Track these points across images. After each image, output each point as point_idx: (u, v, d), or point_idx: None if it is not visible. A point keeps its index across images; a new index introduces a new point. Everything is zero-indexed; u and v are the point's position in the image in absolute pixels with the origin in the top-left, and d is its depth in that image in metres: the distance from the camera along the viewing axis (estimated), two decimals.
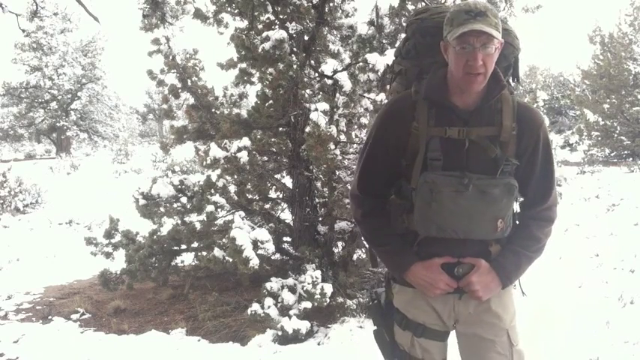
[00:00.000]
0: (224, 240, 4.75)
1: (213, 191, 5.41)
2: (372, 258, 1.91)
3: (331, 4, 5.26)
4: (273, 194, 6.01)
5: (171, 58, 5.96)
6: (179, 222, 5.63)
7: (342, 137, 5.12)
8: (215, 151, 5.08)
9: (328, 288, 4.61)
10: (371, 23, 5.07)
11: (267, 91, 5.21)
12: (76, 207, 11.46)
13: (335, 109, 4.98)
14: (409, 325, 1.73)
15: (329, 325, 4.63)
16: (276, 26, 5.18)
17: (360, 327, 4.43)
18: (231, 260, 4.66)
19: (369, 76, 4.82)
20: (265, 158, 5.64)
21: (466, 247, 1.63)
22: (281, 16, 5.20)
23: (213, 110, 5.93)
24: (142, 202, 5.58)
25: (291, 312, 4.52)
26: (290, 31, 5.07)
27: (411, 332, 1.73)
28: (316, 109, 4.59)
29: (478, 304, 1.69)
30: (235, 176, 5.46)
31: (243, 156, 4.99)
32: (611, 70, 16.43)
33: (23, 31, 8.25)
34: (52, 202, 12.35)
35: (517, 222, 1.70)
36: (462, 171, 1.56)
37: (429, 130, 1.59)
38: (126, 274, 5.50)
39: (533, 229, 1.68)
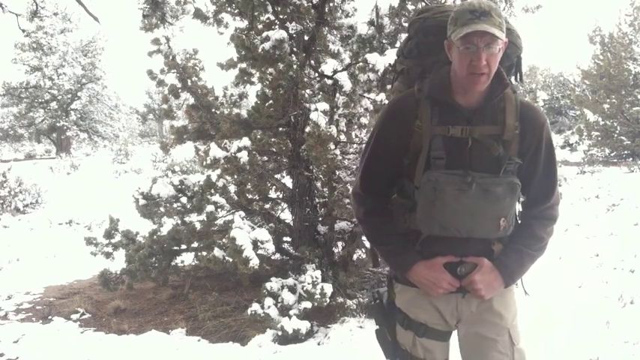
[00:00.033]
0: (224, 240, 4.75)
1: (213, 191, 5.41)
2: (374, 257, 1.91)
3: (331, 4, 5.25)
4: (273, 194, 6.01)
5: (171, 58, 5.95)
6: (179, 222, 5.63)
7: (342, 137, 5.12)
8: (215, 151, 5.08)
9: (328, 288, 4.61)
10: (371, 23, 5.07)
11: (267, 91, 5.21)
12: (76, 207, 11.46)
13: (335, 109, 4.98)
14: (411, 325, 1.73)
15: (329, 325, 4.63)
16: (276, 26, 5.18)
17: (360, 327, 4.43)
18: (231, 260, 4.66)
19: (369, 76, 4.82)
20: (265, 158, 5.64)
21: (469, 246, 1.63)
22: (281, 16, 5.20)
23: (213, 110, 5.93)
24: (142, 202, 5.58)
25: (291, 312, 4.52)
26: (290, 31, 5.07)
27: (413, 332, 1.73)
28: (316, 109, 4.59)
29: (480, 303, 1.69)
30: (235, 176, 5.46)
31: (243, 156, 4.99)
32: (611, 70, 16.43)
33: (23, 31, 8.25)
34: (52, 202, 12.35)
35: (519, 221, 1.70)
36: (464, 170, 1.56)
37: (432, 129, 1.59)
38: (126, 274, 5.50)
39: (535, 228, 1.68)
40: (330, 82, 4.99)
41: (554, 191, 1.70)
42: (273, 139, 5.57)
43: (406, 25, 4.91)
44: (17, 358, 4.11)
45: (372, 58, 4.65)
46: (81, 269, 6.95)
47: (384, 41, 5.07)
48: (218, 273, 5.58)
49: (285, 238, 5.80)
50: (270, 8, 5.16)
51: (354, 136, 5.49)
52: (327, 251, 5.42)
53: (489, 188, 1.56)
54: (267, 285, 4.70)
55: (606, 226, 6.86)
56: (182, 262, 5.92)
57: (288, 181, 5.84)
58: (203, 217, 5.43)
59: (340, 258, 5.48)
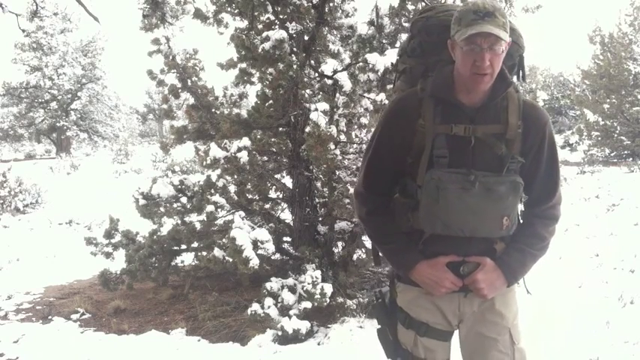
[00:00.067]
0: (224, 240, 4.74)
1: (213, 191, 5.41)
2: (375, 257, 1.90)
3: (331, 4, 5.25)
4: (273, 194, 6.01)
5: (171, 58, 5.95)
6: (179, 222, 5.62)
7: (342, 137, 5.12)
8: (215, 151, 5.08)
9: (328, 288, 4.60)
10: (371, 23, 5.07)
11: (267, 91, 5.21)
12: (76, 207, 11.46)
13: (335, 109, 4.98)
14: (412, 324, 1.73)
15: (329, 325, 4.62)
16: (276, 26, 5.18)
17: (360, 327, 4.43)
18: (231, 260, 4.66)
19: (369, 76, 4.82)
20: (265, 158, 5.64)
21: (471, 246, 1.63)
22: (281, 16, 5.20)
23: (213, 110, 5.93)
24: (142, 202, 5.58)
25: (291, 312, 4.52)
26: (290, 31, 5.07)
27: (414, 331, 1.73)
28: (316, 109, 4.59)
29: (482, 303, 1.69)
30: (235, 176, 5.46)
31: (243, 156, 4.99)
32: (611, 70, 16.43)
33: (23, 31, 8.26)
34: (52, 202, 12.34)
35: (521, 220, 1.70)
36: (467, 168, 1.56)
37: (435, 128, 1.59)
38: (126, 274, 5.50)
39: (537, 228, 1.69)
40: (330, 82, 4.99)
41: (556, 190, 1.70)
42: (273, 139, 5.56)
43: (406, 25, 4.92)
44: (17, 358, 4.11)
45: (372, 58, 4.65)
46: (81, 269, 6.95)
47: (384, 41, 5.07)
48: (218, 273, 5.58)
49: (285, 238, 5.80)
50: (270, 8, 5.16)
51: (354, 136, 5.49)
52: (327, 251, 5.42)
53: (492, 187, 1.56)
54: (267, 285, 4.70)
55: (606, 226, 6.86)
56: (182, 262, 5.92)
57: (288, 181, 5.84)
58: (203, 217, 5.43)
59: (340, 258, 5.47)
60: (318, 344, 4.29)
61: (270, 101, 5.19)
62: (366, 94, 5.12)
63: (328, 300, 4.61)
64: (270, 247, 4.71)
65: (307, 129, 4.57)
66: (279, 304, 4.59)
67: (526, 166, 1.63)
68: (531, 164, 1.64)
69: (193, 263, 5.86)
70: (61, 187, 14.36)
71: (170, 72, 5.98)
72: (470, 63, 1.49)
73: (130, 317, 5.27)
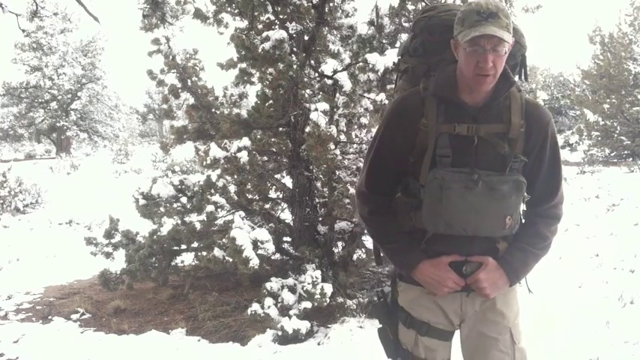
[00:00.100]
0: (224, 240, 4.74)
1: (213, 191, 5.41)
2: (377, 256, 1.90)
3: (331, 4, 5.25)
4: (273, 194, 6.01)
5: (171, 58, 5.95)
6: (179, 222, 5.62)
7: (342, 137, 5.12)
8: (215, 151, 5.08)
9: (328, 288, 4.60)
10: (371, 23, 5.07)
11: (267, 91, 5.21)
12: (76, 207, 11.46)
13: (335, 109, 4.98)
14: (413, 324, 1.73)
15: (329, 325, 4.62)
16: (276, 26, 5.18)
17: (360, 327, 4.42)
18: (231, 260, 4.66)
19: (369, 76, 4.82)
20: (265, 158, 5.64)
21: (474, 245, 1.63)
22: (281, 16, 5.20)
23: (213, 110, 5.93)
24: (142, 202, 5.58)
25: (291, 312, 4.52)
26: (290, 31, 5.07)
27: (415, 330, 1.73)
28: (316, 109, 4.59)
29: (484, 302, 1.69)
30: (235, 176, 5.46)
31: (243, 156, 4.99)
32: (611, 70, 16.43)
33: (23, 31, 8.25)
34: (52, 202, 12.34)
35: (523, 220, 1.70)
36: (470, 167, 1.56)
37: (438, 127, 1.59)
38: (126, 274, 5.50)
39: (540, 227, 1.69)
40: (330, 82, 4.99)
41: (558, 190, 1.70)
42: (273, 139, 5.57)
43: (406, 25, 4.92)
44: (17, 358, 4.11)
45: (372, 58, 4.65)
46: (81, 269, 6.95)
47: (384, 41, 5.07)
48: (218, 273, 5.58)
49: (285, 238, 5.80)
50: (270, 8, 5.16)
51: (354, 136, 5.49)
52: (327, 251, 5.42)
53: (495, 186, 1.56)
54: (267, 285, 4.70)
55: (606, 226, 6.86)
56: (182, 262, 5.92)
57: (288, 181, 5.84)
58: (203, 217, 5.42)
59: (340, 258, 5.47)
60: (318, 344, 4.29)
61: (270, 101, 5.19)
62: (366, 94, 5.12)
63: (328, 300, 4.61)
64: (270, 247, 4.71)
65: (307, 129, 4.57)
66: (279, 304, 4.59)
67: (529, 165, 1.63)
68: (534, 163, 1.64)
69: (193, 263, 5.86)
70: (61, 187, 14.35)
71: (170, 72, 5.98)
72: (473, 64, 1.49)
73: (130, 317, 5.27)
